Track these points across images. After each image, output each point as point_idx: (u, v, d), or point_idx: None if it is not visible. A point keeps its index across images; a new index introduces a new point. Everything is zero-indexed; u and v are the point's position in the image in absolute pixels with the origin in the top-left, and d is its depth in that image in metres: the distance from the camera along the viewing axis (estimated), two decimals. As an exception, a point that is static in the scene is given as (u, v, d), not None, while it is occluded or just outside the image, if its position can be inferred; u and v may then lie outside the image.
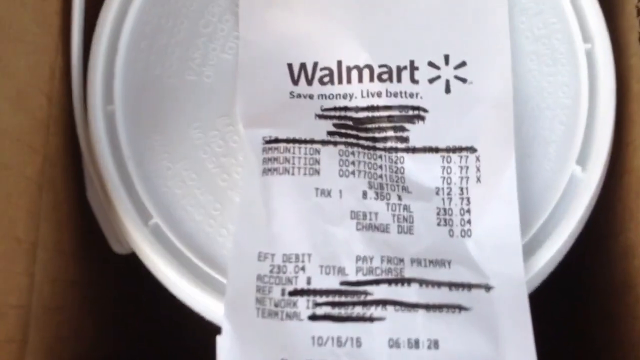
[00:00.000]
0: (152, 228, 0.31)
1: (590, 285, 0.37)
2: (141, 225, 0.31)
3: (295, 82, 0.32)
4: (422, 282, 0.28)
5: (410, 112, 0.31)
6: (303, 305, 0.28)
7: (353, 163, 0.30)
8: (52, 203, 0.31)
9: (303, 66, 0.32)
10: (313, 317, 0.28)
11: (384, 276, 0.28)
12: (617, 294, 0.33)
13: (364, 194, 0.30)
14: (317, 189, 0.30)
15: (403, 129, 0.31)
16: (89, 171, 0.32)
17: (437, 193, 0.30)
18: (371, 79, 0.31)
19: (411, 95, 0.31)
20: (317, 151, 0.30)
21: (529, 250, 0.30)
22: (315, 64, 0.32)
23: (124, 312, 0.39)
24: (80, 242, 0.33)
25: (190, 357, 0.28)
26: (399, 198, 0.30)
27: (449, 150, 0.31)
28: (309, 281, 0.28)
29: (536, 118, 0.31)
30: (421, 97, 0.31)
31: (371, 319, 0.28)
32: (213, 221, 0.31)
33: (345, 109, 0.31)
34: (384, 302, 0.28)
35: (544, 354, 0.28)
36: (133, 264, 0.32)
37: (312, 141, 0.30)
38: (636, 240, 0.31)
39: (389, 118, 0.31)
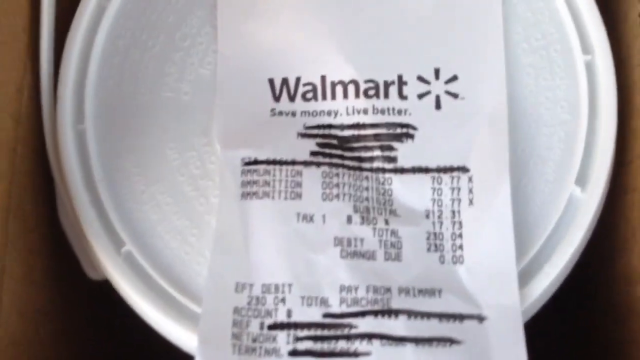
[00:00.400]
0: (125, 256, 0.29)
1: (590, 310, 0.35)
2: (113, 253, 0.29)
3: (277, 98, 0.30)
4: (411, 314, 0.27)
5: (399, 130, 0.29)
6: (283, 340, 0.26)
7: (337, 185, 0.28)
8: (21, 229, 0.29)
9: (285, 81, 0.30)
10: (294, 353, 0.26)
11: (369, 307, 0.27)
12: (620, 321, 0.31)
13: (349, 219, 0.28)
14: (298, 214, 0.28)
15: (391, 148, 0.29)
16: (60, 194, 0.30)
17: (427, 216, 0.29)
18: (357, 95, 0.30)
19: (399, 112, 0.29)
20: (299, 173, 0.28)
21: (525, 277, 0.28)
22: (298, 79, 0.30)
23: (99, 340, 0.37)
24: (52, 269, 0.32)
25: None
26: (387, 222, 0.28)
27: (439, 170, 0.29)
28: (289, 314, 0.27)
29: (532, 135, 0.30)
30: (410, 114, 0.29)
31: (356, 354, 0.26)
32: (190, 248, 0.29)
33: (330, 126, 0.30)
34: (369, 336, 0.26)
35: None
36: (108, 290, 0.30)
37: (293, 162, 0.29)
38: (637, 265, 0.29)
39: (376, 136, 0.29)
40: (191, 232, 0.29)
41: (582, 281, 0.33)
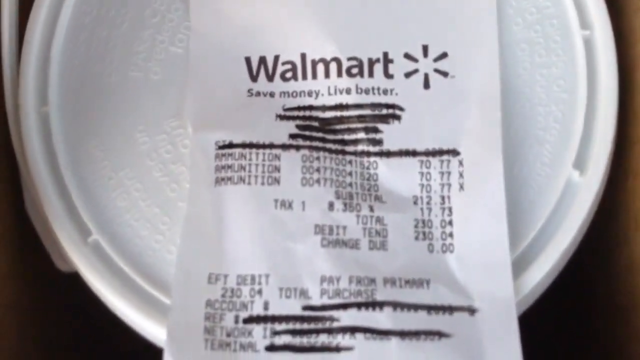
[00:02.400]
0: (93, 246, 0.27)
1: (589, 304, 0.33)
2: (80, 243, 0.27)
3: (254, 78, 0.28)
4: (397, 306, 0.25)
5: (384, 111, 0.28)
6: (259, 334, 0.24)
7: (318, 170, 0.27)
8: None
9: (262, 60, 0.28)
10: (271, 348, 0.24)
11: (352, 299, 0.25)
12: (620, 315, 0.29)
13: (331, 205, 0.26)
14: (276, 200, 0.26)
15: (376, 130, 0.27)
16: (25, 182, 0.29)
17: (414, 203, 0.27)
18: (339, 74, 0.28)
19: (385, 92, 0.28)
20: (277, 157, 0.27)
21: (520, 267, 0.26)
22: (277, 58, 0.28)
23: (73, 334, 0.35)
24: (19, 261, 0.30)
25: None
26: (371, 209, 0.26)
27: (428, 153, 0.27)
28: (266, 306, 0.25)
29: (527, 116, 0.28)
30: (396, 94, 0.28)
31: (338, 349, 0.24)
32: (161, 237, 0.27)
33: (310, 108, 0.28)
34: (352, 329, 0.24)
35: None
36: (80, 282, 0.29)
37: (271, 145, 0.27)
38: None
39: (360, 118, 0.27)
40: (162, 220, 0.27)
41: (580, 272, 0.31)
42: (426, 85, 0.28)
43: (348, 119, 0.28)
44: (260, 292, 0.25)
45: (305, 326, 0.25)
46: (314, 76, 0.28)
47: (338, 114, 0.28)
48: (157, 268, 0.27)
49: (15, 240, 0.30)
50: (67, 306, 0.34)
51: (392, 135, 0.27)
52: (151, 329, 0.26)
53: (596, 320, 0.32)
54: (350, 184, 0.27)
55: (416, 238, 0.26)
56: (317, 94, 0.28)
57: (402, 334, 0.24)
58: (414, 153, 0.27)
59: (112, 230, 0.27)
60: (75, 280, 0.30)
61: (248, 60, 0.28)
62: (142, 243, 0.27)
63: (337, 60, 0.28)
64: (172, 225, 0.27)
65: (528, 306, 0.27)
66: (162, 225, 0.27)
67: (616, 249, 0.30)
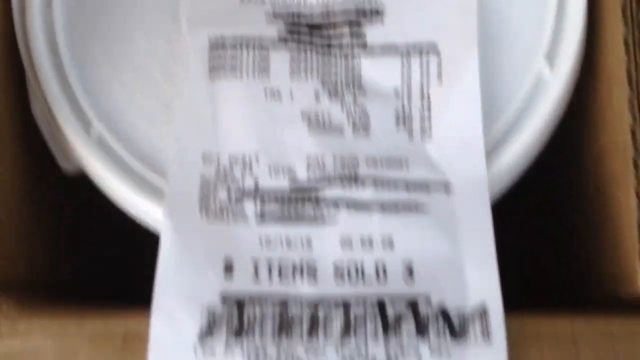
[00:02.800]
0: (95, 137, 0.29)
1: (561, 197, 0.35)
2: (84, 134, 0.29)
3: (245, -16, 0.30)
4: (378, 182, 0.27)
5: (367, 9, 0.29)
6: (250, 207, 0.26)
7: (305, 63, 0.28)
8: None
9: (253, -33, 0.30)
10: (261, 219, 0.26)
11: (337, 176, 0.27)
12: (590, 201, 0.31)
13: (317, 95, 0.28)
14: (265, 89, 0.28)
15: (359, 27, 0.29)
16: (30, 81, 0.30)
17: (395, 95, 0.29)
18: None
19: (369, -6, 0.29)
20: (267, 52, 0.28)
21: (493, 150, 0.28)
22: None
23: (78, 236, 0.37)
24: (26, 161, 0.32)
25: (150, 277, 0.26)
26: (355, 99, 0.28)
27: (408, 48, 0.29)
28: (256, 182, 0.27)
29: (502, 10, 0.30)
30: None
31: (323, 220, 0.26)
32: (158, 127, 0.29)
33: (299, 14, 0.30)
34: (336, 203, 0.26)
35: (507, 260, 0.26)
36: (85, 186, 0.31)
37: (261, 40, 0.29)
38: (609, 143, 0.29)
39: (345, 17, 0.29)
40: (159, 110, 0.29)
41: (553, 168, 0.33)
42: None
43: (334, 17, 0.29)
44: (251, 169, 0.27)
45: (293, 201, 0.26)
46: None
47: (324, 12, 0.29)
48: (156, 157, 0.28)
49: (23, 137, 0.31)
50: (70, 208, 0.36)
51: (374, 32, 0.29)
52: (152, 211, 0.28)
53: (567, 210, 0.34)
54: (336, 75, 0.29)
55: (397, 125, 0.28)
56: (304, 0, 0.30)
57: (383, 206, 0.26)
58: (395, 48, 0.29)
59: (113, 122, 0.29)
60: (78, 184, 0.32)
61: None
62: (141, 136, 0.29)
63: None
64: (169, 116, 0.29)
65: (502, 190, 0.29)
66: (159, 116, 0.29)
67: (587, 143, 0.32)
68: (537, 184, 0.31)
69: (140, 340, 0.24)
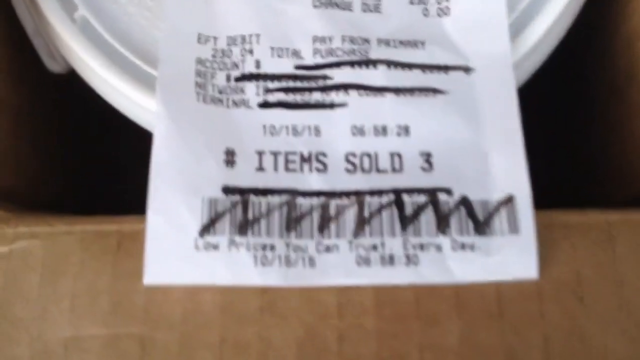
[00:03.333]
0: (80, 23, 0.26)
1: (587, 85, 0.32)
2: (68, 20, 0.26)
3: None
4: (391, 64, 0.24)
5: None
6: (252, 91, 0.24)
7: None
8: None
9: None
10: (264, 105, 0.24)
11: (346, 58, 0.24)
12: (619, 92, 0.28)
13: (322, -33, 0.25)
14: (265, -38, 0.25)
15: None
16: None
17: (409, -33, 0.26)
18: None
19: None
20: None
21: (516, 28, 0.26)
22: None
23: (70, 142, 0.35)
24: (10, 60, 0.29)
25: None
26: (364, -28, 0.26)
27: None
28: (258, 65, 0.24)
29: None
30: None
31: (331, 105, 0.24)
32: (148, 13, 0.26)
33: None
34: (346, 86, 0.24)
35: (534, 147, 0.24)
36: (74, 87, 0.28)
37: None
38: (638, 27, 0.27)
39: None
40: (150, -2, 0.26)
41: (577, 58, 0.30)
42: None
43: None
44: (251, 51, 0.24)
45: (299, 84, 0.24)
46: None
47: None
48: (146, 44, 0.26)
49: (5, 37, 0.29)
50: (57, 107, 0.34)
51: None
52: (143, 103, 0.25)
53: (594, 102, 0.31)
54: None
55: (411, 2, 0.26)
56: None
57: (397, 91, 0.24)
58: None
59: (99, 7, 0.26)
60: (65, 82, 0.30)
61: None
62: (129, 19, 0.26)
63: None
64: (160, 1, 0.26)
65: (527, 74, 0.26)
66: (149, 1, 0.27)
67: (614, 26, 0.29)
68: (565, 72, 0.28)
69: (135, 240, 0.22)
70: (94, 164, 0.37)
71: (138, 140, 0.26)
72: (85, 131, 0.35)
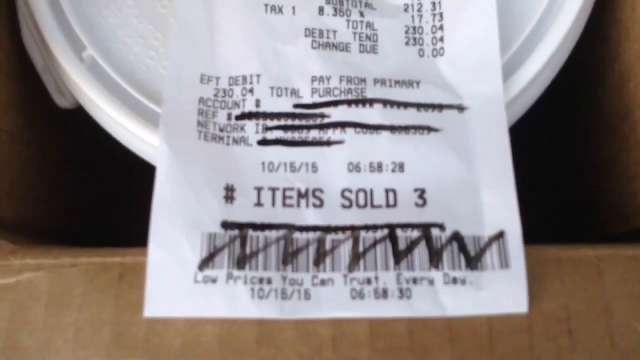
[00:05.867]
0: (88, 63, 0.27)
1: (580, 120, 0.33)
2: (75, 59, 0.27)
3: None
4: (387, 103, 0.25)
5: None
6: (252, 129, 0.25)
7: (307, -23, 0.27)
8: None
9: None
10: (263, 142, 0.25)
11: (343, 97, 0.25)
12: (612, 126, 0.29)
13: (320, 10, 0.26)
14: (266, 5, 0.26)
15: (365, -60, 0.27)
16: (22, 10, 0.29)
17: (405, 10, 0.27)
18: None
19: None
20: None
21: (510, 68, 0.26)
22: None
23: (76, 175, 0.36)
24: (20, 93, 0.30)
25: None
26: (362, 14, 0.27)
27: (417, -40, 0.27)
28: (258, 104, 0.25)
29: None
30: None
31: (328, 143, 0.25)
32: (154, 53, 0.27)
33: None
34: (343, 124, 0.25)
35: (525, 184, 0.25)
36: (77, 118, 0.29)
37: None
38: (631, 62, 0.28)
39: None
40: (154, 37, 0.27)
41: (571, 92, 0.31)
42: None
43: None
44: (252, 91, 0.25)
45: (297, 122, 0.25)
46: None
47: None
48: (151, 83, 0.27)
49: (16, 73, 0.30)
50: (65, 141, 0.35)
51: (381, -55, 0.27)
52: (148, 140, 0.26)
53: (587, 138, 0.32)
54: None
55: (407, 43, 0.27)
56: None
57: (392, 128, 0.25)
58: (403, -39, 0.27)
59: (106, 46, 0.28)
60: (72, 117, 0.31)
61: None
62: (135, 59, 0.27)
63: None
64: (165, 42, 0.27)
65: (519, 113, 0.27)
66: (154, 42, 0.27)
67: (608, 62, 0.30)
68: (557, 111, 0.29)
69: (137, 272, 0.23)
70: (100, 195, 0.38)
71: (143, 173, 0.27)
72: (92, 164, 0.36)
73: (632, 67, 0.28)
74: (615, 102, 0.29)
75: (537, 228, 0.24)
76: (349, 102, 0.25)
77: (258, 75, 0.25)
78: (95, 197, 0.37)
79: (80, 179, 0.36)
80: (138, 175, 0.28)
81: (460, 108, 0.25)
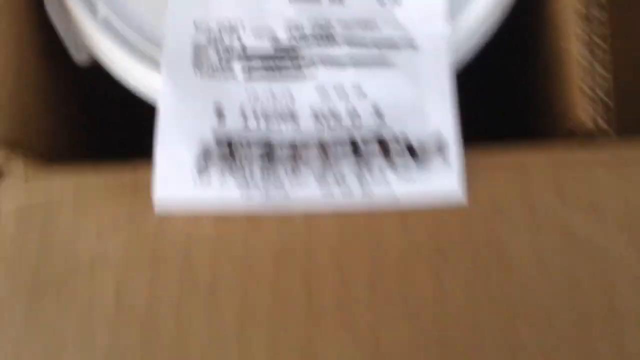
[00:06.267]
0: (101, 19, 0.32)
1: (524, 66, 0.38)
2: (91, 17, 0.32)
3: None
4: (351, 41, 0.30)
5: None
6: (238, 66, 0.30)
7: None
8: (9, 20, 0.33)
9: None
10: (248, 77, 0.30)
11: (315, 41, 0.30)
12: (550, 74, 0.34)
13: (296, -31, 0.32)
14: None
15: None
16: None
17: (368, -34, 0.32)
18: None
19: None
20: None
21: (455, 12, 0.32)
22: None
23: (92, 119, 0.41)
24: (45, 54, 0.35)
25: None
26: (330, -28, 0.32)
27: None
28: (242, 44, 0.30)
29: None
30: None
31: (303, 76, 0.30)
32: (157, 7, 0.32)
33: None
34: (313, 60, 0.30)
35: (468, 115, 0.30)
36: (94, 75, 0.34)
37: None
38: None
39: None
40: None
41: (514, 39, 0.36)
42: None
43: None
44: (237, 33, 0.30)
45: (276, 60, 0.30)
46: None
47: None
48: (156, 33, 0.32)
49: (40, 36, 0.35)
50: (85, 96, 0.40)
51: None
52: (151, 80, 0.31)
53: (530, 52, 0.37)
54: None
55: (369, -5, 0.32)
56: None
57: (356, 62, 0.30)
58: None
59: (117, 6, 0.33)
60: (90, 75, 0.36)
61: None
62: (143, 13, 0.32)
63: None
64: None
65: (466, 56, 0.32)
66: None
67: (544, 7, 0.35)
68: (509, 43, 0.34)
69: (146, 189, 0.28)
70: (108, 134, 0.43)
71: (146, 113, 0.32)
72: (105, 114, 0.41)
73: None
74: (553, 20, 0.34)
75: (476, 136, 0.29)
76: (318, 40, 0.30)
77: (242, 21, 0.31)
78: (107, 142, 0.42)
79: (94, 121, 0.42)
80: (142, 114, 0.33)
81: (413, 47, 0.30)
